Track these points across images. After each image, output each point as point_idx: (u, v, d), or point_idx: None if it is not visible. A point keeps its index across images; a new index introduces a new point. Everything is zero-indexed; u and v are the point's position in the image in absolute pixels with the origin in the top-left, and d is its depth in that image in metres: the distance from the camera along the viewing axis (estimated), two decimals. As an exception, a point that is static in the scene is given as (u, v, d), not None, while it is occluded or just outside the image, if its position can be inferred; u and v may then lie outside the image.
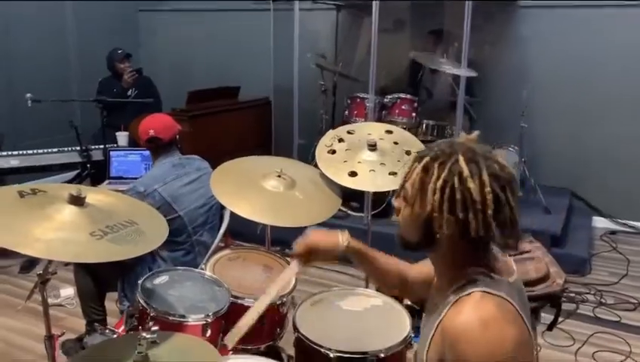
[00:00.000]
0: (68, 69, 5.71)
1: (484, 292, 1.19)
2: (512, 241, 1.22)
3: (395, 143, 2.35)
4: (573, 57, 4.59)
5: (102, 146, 3.99)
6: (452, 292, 1.23)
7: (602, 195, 4.67)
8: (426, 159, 1.22)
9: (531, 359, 1.23)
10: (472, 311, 1.17)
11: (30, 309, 3.30)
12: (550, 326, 2.07)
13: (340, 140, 2.39)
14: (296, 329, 1.95)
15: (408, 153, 2.32)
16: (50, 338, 1.62)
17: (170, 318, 1.66)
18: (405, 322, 2.02)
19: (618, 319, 3.25)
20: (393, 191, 3.81)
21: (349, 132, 2.45)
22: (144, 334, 1.28)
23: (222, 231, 2.74)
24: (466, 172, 1.16)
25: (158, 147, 2.67)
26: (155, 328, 1.31)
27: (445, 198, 1.17)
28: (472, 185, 1.15)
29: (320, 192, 2.25)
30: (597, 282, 3.68)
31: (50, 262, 1.62)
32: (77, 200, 1.44)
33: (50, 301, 3.30)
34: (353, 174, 2.22)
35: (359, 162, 2.27)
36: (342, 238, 1.59)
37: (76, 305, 2.87)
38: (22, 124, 4.84)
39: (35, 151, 3.92)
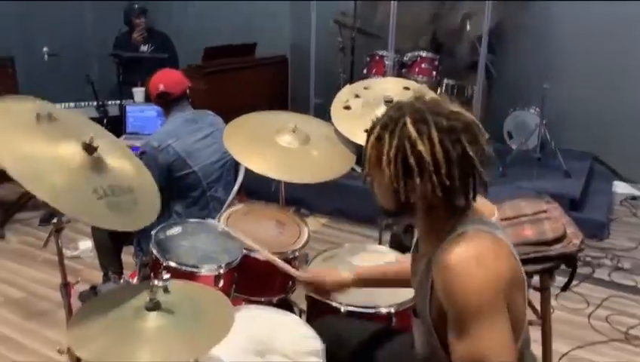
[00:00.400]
0: (84, 23, 5.67)
1: (477, 229, 1.19)
2: (481, 189, 1.22)
3: (413, 100, 2.30)
4: (599, 18, 4.39)
5: (118, 102, 3.99)
6: (443, 242, 1.21)
7: (624, 160, 4.57)
8: (377, 129, 1.20)
9: (524, 298, 1.24)
10: (466, 247, 1.16)
11: (50, 260, 3.38)
12: (564, 288, 2.04)
13: (356, 96, 2.35)
14: (308, 284, 1.96)
15: (426, 110, 2.27)
16: (65, 286, 1.65)
17: (183, 268, 1.68)
18: (417, 279, 2.03)
19: (634, 284, 3.22)
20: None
21: (365, 88, 2.40)
22: (156, 281, 1.29)
23: (236, 187, 2.74)
24: (414, 135, 1.14)
25: (168, 102, 2.66)
26: (167, 276, 1.31)
27: (400, 167, 1.15)
28: (421, 147, 1.13)
29: (334, 149, 2.23)
30: (615, 247, 3.64)
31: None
32: (89, 149, 1.42)
33: (68, 253, 3.43)
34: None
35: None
36: (347, 274, 1.71)
37: (94, 257, 2.92)
38: (39, 78, 4.84)
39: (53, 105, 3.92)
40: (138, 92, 4.17)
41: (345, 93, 2.37)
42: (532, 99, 4.32)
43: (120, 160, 1.51)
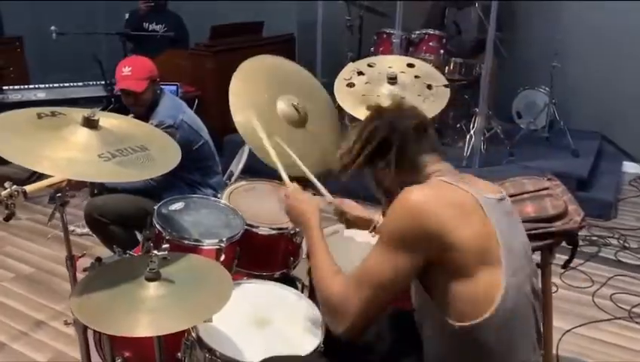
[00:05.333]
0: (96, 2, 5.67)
1: (442, 180, 1.26)
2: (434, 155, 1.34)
3: (416, 77, 2.30)
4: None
5: (126, 80, 4.00)
6: None
7: (634, 140, 4.52)
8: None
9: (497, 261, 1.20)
10: (415, 186, 1.24)
11: (60, 237, 3.43)
12: (565, 265, 2.04)
13: (360, 73, 2.35)
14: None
15: (429, 87, 2.27)
16: (71, 259, 1.68)
17: (185, 242, 1.71)
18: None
19: (640, 263, 3.21)
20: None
21: (369, 65, 2.40)
22: (155, 252, 1.31)
23: (241, 165, 2.76)
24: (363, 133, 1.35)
25: (157, 86, 2.64)
26: (166, 246, 1.33)
27: (363, 161, 1.35)
28: (364, 140, 1.34)
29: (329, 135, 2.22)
30: (622, 226, 3.62)
31: (69, 186, 1.66)
32: (90, 123, 1.45)
33: (78, 230, 3.48)
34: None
35: (378, 96, 2.23)
36: (377, 217, 1.78)
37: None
38: (49, 58, 4.87)
39: (61, 84, 3.96)
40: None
41: (348, 71, 2.38)
42: (541, 78, 4.28)
43: (126, 128, 1.56)
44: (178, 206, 1.88)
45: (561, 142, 4.12)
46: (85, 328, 1.81)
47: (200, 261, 1.48)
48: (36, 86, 3.90)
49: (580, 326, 2.62)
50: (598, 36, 4.41)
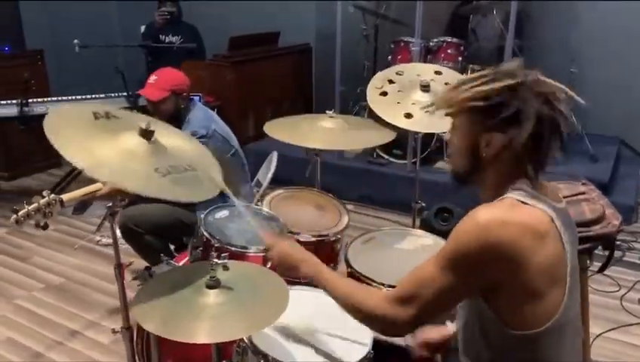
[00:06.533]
0: (110, 15, 5.73)
1: (517, 200, 1.15)
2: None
3: (447, 84, 2.32)
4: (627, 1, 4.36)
5: (148, 92, 4.03)
6: None
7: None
8: (471, 79, 1.23)
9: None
10: (486, 210, 1.14)
11: (86, 248, 3.47)
12: (602, 267, 2.06)
13: (390, 82, 2.37)
14: (348, 264, 2.00)
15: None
16: (119, 266, 1.71)
17: (233, 249, 1.73)
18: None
19: (665, 267, 3.22)
20: (437, 138, 3.82)
21: (397, 73, 2.42)
22: (216, 260, 1.34)
23: (270, 174, 2.79)
24: (499, 84, 1.16)
25: (183, 99, 2.65)
26: (225, 254, 1.36)
27: (485, 116, 1.17)
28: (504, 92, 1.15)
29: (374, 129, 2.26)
30: (644, 230, 3.63)
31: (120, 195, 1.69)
32: (146, 134, 1.47)
33: (104, 241, 3.51)
34: (409, 116, 2.21)
35: (413, 103, 2.25)
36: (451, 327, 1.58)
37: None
38: (70, 70, 4.92)
39: (83, 96, 4.00)
40: (167, 82, 4.20)
41: (378, 80, 2.40)
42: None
43: (175, 142, 1.56)
44: (223, 214, 1.91)
45: (579, 148, 4.13)
46: (132, 336, 1.84)
47: (254, 268, 1.50)
48: (59, 98, 3.93)
49: (610, 330, 2.63)
50: (615, 41, 4.43)
